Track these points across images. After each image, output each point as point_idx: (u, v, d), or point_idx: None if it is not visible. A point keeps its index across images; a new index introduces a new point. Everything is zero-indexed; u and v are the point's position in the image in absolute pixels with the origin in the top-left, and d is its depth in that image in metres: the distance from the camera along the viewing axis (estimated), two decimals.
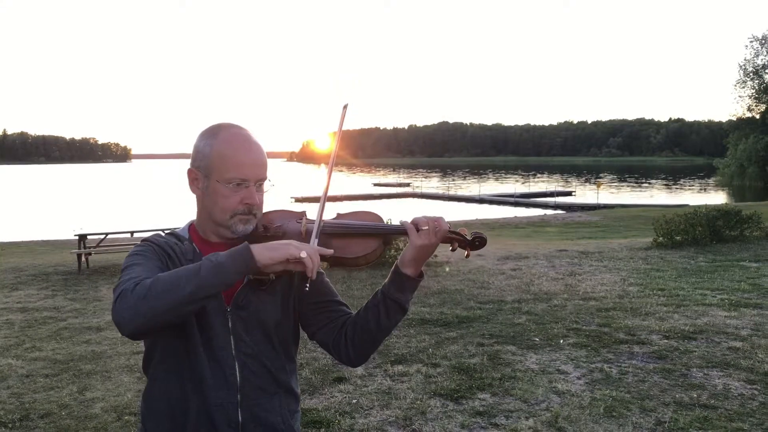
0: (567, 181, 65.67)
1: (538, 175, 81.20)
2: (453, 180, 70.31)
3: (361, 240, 1.48)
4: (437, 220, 1.44)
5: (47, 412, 4.28)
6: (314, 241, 1.41)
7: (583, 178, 68.69)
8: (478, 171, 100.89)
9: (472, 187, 53.80)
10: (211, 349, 1.45)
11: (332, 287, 1.63)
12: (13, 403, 4.45)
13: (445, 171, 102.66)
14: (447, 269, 9.65)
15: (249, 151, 1.46)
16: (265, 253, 1.30)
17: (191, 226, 1.57)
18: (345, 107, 1.57)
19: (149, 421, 1.51)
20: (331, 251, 1.42)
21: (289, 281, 1.56)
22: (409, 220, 1.48)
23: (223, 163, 1.44)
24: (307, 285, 1.38)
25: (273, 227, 1.50)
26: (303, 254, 1.31)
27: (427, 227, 1.43)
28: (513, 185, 53.07)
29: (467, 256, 1.49)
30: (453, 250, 1.49)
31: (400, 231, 1.46)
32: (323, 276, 1.61)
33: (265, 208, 1.58)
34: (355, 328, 1.53)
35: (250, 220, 1.48)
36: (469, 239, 1.46)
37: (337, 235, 1.49)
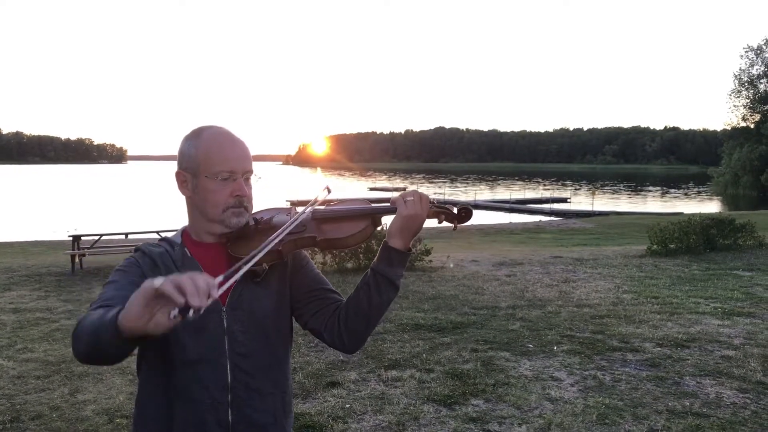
0: (564, 186, 65.68)
1: (534, 182, 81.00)
2: (456, 186, 70.09)
3: (350, 222, 1.53)
4: (421, 193, 1.50)
5: (38, 413, 4.25)
6: (218, 286, 1.11)
7: (582, 187, 68.39)
8: (481, 176, 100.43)
9: (468, 192, 53.77)
10: (202, 349, 1.44)
11: (323, 276, 1.65)
12: (3, 405, 4.42)
13: (445, 176, 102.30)
14: (449, 262, 9.65)
15: (233, 144, 1.50)
16: (124, 310, 1.13)
17: (184, 231, 1.58)
18: (328, 190, 1.63)
19: (139, 427, 1.51)
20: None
21: (283, 271, 1.57)
22: None
23: (209, 159, 1.47)
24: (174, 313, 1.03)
25: (263, 220, 1.55)
26: (157, 282, 1.04)
27: (412, 198, 1.48)
28: (509, 191, 53.02)
29: (455, 228, 1.56)
30: (440, 222, 1.54)
31: (389, 209, 1.51)
32: (312, 267, 1.65)
33: (261, 209, 1.62)
34: (348, 309, 1.53)
35: (242, 212, 1.51)
36: (455, 212, 1.53)
37: (327, 220, 1.54)
